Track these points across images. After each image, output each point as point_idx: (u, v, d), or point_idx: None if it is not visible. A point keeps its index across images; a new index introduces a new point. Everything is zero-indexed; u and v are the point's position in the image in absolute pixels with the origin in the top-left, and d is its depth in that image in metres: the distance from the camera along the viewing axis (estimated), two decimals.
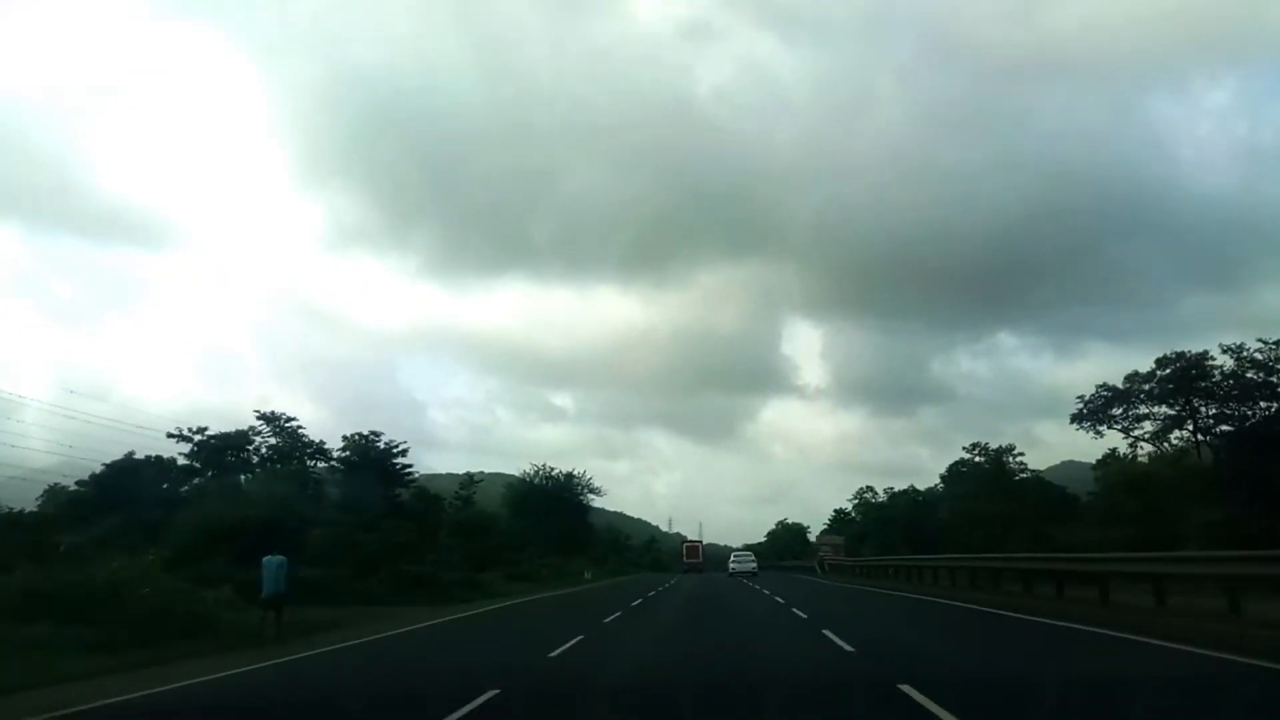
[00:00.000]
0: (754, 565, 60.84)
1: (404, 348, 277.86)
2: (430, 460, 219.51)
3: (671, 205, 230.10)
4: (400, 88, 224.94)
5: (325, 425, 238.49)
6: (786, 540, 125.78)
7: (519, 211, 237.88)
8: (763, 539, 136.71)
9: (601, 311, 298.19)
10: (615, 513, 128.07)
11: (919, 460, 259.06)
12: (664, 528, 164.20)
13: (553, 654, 14.22)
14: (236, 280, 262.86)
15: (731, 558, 65.51)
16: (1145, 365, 49.61)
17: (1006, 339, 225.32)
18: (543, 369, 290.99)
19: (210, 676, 12.84)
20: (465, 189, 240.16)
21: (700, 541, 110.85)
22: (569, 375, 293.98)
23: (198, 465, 49.01)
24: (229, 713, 10.46)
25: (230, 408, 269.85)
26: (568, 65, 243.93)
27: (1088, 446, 55.58)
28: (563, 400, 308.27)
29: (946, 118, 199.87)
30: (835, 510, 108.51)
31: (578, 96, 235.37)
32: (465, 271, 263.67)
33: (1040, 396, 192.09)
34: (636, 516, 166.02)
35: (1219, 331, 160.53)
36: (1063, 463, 71.08)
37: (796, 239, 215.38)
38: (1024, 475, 61.01)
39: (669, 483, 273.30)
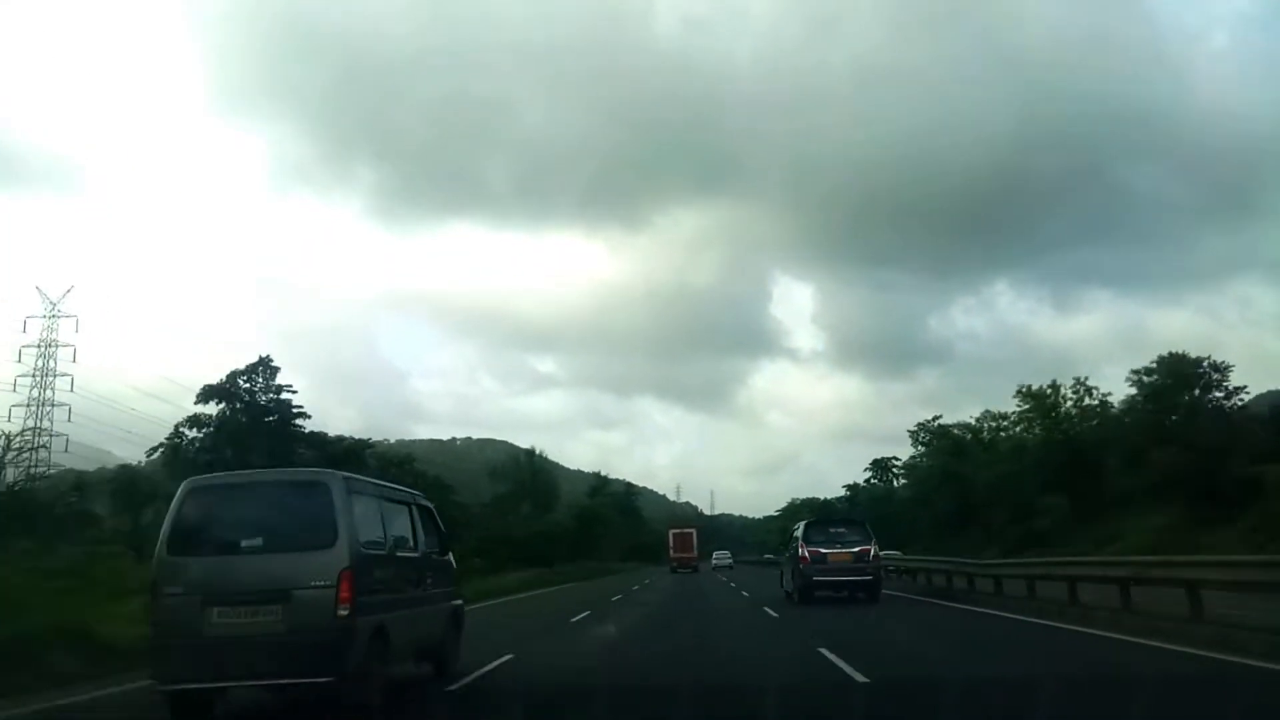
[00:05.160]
0: (729, 561, 73.13)
1: (360, 305, 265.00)
2: (416, 429, 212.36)
3: (629, 138, 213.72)
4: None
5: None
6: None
7: (466, 147, 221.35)
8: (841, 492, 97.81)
9: (568, 261, 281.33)
10: (618, 480, 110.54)
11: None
12: (672, 497, 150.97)
13: None
14: (158, 225, 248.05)
15: (714, 555, 75.96)
16: (1158, 316, 45.62)
17: (1004, 290, 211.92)
18: (519, 329, 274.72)
19: None
20: (406, 122, 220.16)
21: (693, 529, 76.40)
22: (548, 337, 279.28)
23: None
24: None
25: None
26: None
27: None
28: (546, 365, 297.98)
29: (928, 27, 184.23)
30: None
31: (515, 14, 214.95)
32: (413, 214, 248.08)
33: (1044, 355, 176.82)
34: (642, 485, 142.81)
35: (1242, 273, 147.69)
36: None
37: (769, 174, 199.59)
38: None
39: (669, 452, 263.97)
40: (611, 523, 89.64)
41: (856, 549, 22.11)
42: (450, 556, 11.39)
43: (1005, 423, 64.82)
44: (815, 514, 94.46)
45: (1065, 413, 56.01)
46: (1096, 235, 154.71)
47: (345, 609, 7.82)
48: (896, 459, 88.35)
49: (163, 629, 7.93)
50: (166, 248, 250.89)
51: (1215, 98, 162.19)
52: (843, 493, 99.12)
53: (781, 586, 26.06)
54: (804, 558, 22.25)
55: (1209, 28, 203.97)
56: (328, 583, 7.83)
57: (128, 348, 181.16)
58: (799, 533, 23.64)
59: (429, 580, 10.29)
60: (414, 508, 10.40)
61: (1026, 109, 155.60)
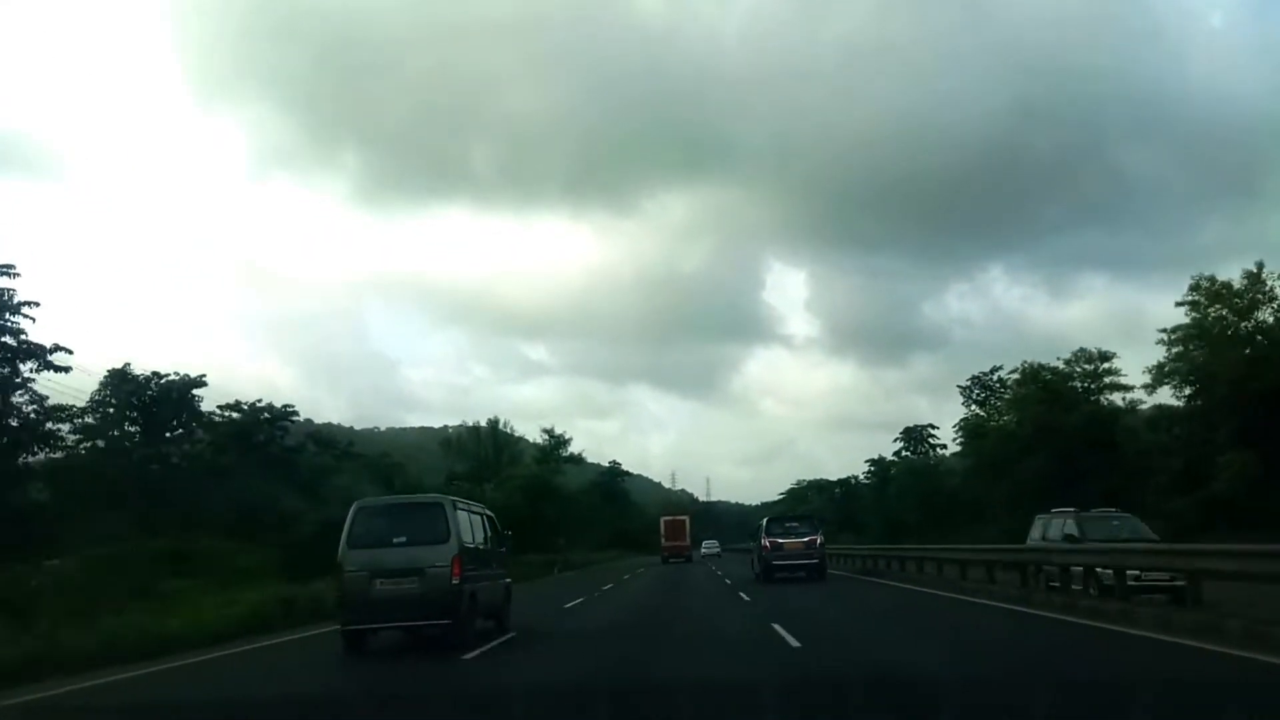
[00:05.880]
0: (718, 550, 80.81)
1: (346, 292, 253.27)
2: (408, 417, 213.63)
3: (615, 121, 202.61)
4: None
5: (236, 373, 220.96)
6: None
7: (451, 130, 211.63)
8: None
9: (556, 246, 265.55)
10: (604, 463, 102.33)
11: (918, 412, 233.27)
12: (667, 484, 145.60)
13: None
14: (134, 213, 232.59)
15: (703, 544, 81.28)
16: (1156, 301, 31.69)
17: (999, 275, 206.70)
18: (508, 316, 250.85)
19: None
20: (389, 105, 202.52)
21: (685, 516, 69.82)
22: (538, 324, 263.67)
23: None
24: None
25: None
26: None
27: None
28: (537, 353, 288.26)
29: (920, 3, 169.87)
30: None
31: None
32: (397, 198, 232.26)
33: (1040, 340, 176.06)
34: (636, 473, 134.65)
35: (1242, 257, 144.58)
36: None
37: (760, 158, 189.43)
38: None
39: (664, 440, 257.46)
40: (576, 502, 73.68)
41: (806, 539, 27.88)
42: (504, 549, 16.50)
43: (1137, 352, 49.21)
44: (824, 493, 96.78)
45: (1266, 320, 37.34)
46: (1092, 218, 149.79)
47: (456, 580, 12.87)
48: (934, 426, 77.73)
49: (346, 593, 12.99)
50: (145, 236, 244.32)
51: (1215, 78, 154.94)
52: (865, 468, 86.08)
53: (751, 569, 31.80)
54: (765, 546, 27.96)
55: (1208, 5, 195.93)
56: (445, 564, 12.87)
57: (106, 338, 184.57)
58: (762, 526, 29.48)
59: (494, 564, 15.40)
60: (484, 516, 15.57)
61: (1021, 89, 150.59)
